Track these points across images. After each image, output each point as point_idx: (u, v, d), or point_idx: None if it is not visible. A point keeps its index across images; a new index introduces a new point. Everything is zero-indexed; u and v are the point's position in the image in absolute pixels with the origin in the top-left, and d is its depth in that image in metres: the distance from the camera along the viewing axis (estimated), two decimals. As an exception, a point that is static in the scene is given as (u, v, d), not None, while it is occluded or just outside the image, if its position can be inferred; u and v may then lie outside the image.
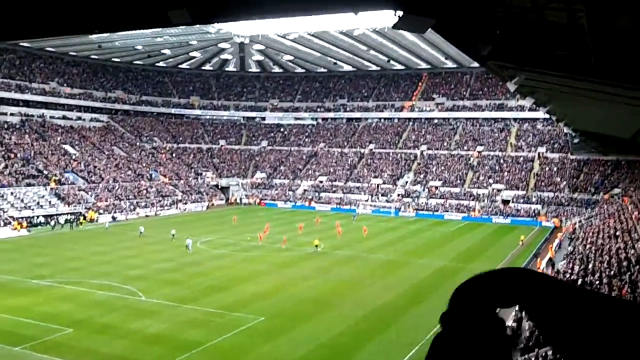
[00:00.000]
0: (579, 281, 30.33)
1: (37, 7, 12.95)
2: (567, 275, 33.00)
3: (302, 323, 31.24)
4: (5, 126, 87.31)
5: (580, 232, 55.49)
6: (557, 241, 57.00)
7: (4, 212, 66.58)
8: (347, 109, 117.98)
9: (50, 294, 36.51)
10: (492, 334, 1.22)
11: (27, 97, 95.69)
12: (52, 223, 68.04)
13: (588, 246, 42.08)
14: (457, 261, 49.73)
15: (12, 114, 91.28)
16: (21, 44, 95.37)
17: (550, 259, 47.03)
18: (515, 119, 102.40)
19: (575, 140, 79.59)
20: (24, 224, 64.95)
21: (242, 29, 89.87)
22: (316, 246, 53.75)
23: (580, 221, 66.96)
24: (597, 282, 29.12)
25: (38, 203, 71.74)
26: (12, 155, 79.78)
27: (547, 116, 61.91)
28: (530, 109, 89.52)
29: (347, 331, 29.73)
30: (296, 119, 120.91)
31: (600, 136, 55.35)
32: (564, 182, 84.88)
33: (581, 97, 20.85)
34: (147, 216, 79.51)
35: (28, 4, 12.58)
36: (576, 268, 34.43)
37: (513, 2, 11.61)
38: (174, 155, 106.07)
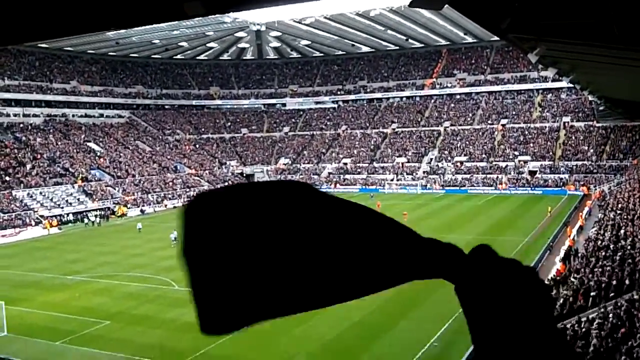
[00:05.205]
0: (611, 247, 30.06)
1: (52, 7, 13.04)
2: (599, 242, 32.68)
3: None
4: (29, 128, 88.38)
5: (610, 199, 54.84)
6: (586, 209, 56.46)
7: (34, 211, 67.55)
8: (368, 90, 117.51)
9: (86, 288, 37.02)
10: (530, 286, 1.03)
11: (49, 97, 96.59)
12: (96, 219, 69.10)
13: (619, 212, 41.52)
14: (486, 234, 49.49)
15: (35, 115, 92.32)
16: (39, 45, 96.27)
17: (580, 227, 46.68)
18: (538, 90, 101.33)
19: (601, 108, 78.41)
20: (54, 222, 65.85)
21: (257, 16, 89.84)
22: None
23: (609, 187, 66.23)
24: (629, 247, 28.84)
25: (67, 201, 72.70)
26: (38, 156, 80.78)
27: (571, 85, 61.12)
28: (554, 79, 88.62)
29: (377, 310, 29.69)
30: (317, 103, 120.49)
31: (627, 102, 54.49)
32: (591, 150, 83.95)
33: (605, 64, 20.54)
34: (174, 207, 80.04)
35: (43, 4, 12.68)
36: (607, 234, 34.04)
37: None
38: (197, 146, 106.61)
